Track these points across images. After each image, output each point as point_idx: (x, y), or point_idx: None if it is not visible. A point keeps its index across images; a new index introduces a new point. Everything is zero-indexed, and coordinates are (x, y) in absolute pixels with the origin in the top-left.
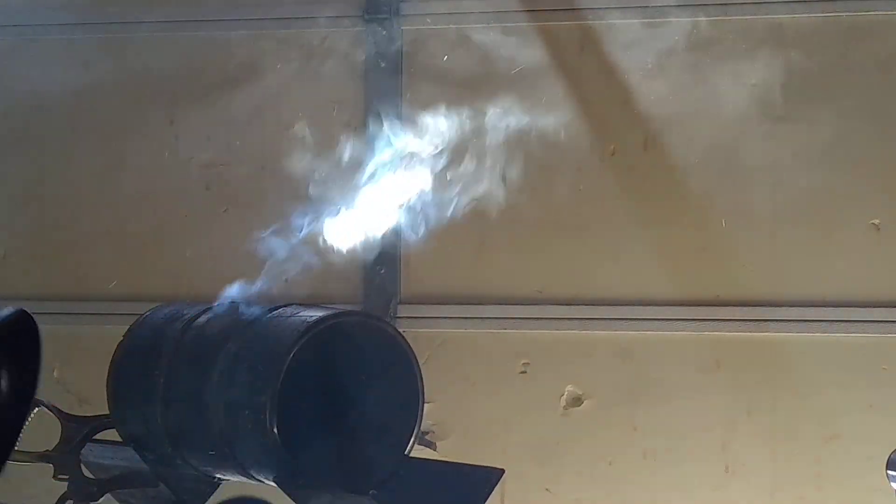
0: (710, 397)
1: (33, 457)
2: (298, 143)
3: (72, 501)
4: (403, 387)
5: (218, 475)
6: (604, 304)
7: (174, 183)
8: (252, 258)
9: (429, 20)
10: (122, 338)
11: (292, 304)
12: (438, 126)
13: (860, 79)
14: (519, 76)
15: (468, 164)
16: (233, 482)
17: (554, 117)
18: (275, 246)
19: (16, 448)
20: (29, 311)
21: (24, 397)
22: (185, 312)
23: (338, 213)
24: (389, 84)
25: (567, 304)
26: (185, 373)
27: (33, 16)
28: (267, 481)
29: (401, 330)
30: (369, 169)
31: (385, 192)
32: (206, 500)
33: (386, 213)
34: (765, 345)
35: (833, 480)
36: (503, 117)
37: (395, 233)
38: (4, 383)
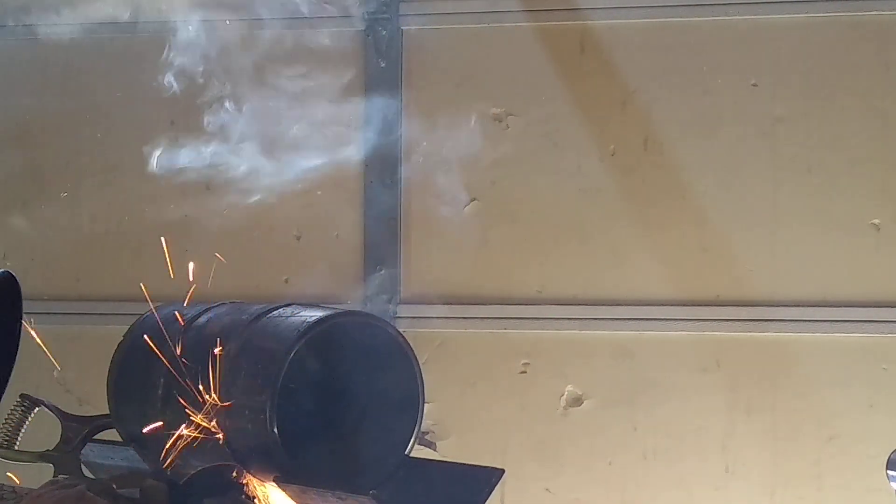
0: (710, 397)
1: (33, 457)
2: (297, 143)
3: None
4: (403, 387)
5: None
6: (604, 304)
7: (174, 182)
8: (252, 257)
9: (429, 20)
10: (122, 338)
11: (292, 304)
12: (438, 126)
13: (860, 79)
14: (519, 76)
15: (466, 163)
16: None
17: (553, 117)
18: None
19: (16, 448)
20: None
21: (6, 354)
22: (185, 312)
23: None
24: (389, 84)
25: (567, 304)
26: (185, 373)
27: (30, 16)
28: (266, 481)
29: (401, 330)
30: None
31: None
32: None
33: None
34: (765, 345)
35: (833, 480)
36: (503, 117)
37: (395, 234)
38: None
